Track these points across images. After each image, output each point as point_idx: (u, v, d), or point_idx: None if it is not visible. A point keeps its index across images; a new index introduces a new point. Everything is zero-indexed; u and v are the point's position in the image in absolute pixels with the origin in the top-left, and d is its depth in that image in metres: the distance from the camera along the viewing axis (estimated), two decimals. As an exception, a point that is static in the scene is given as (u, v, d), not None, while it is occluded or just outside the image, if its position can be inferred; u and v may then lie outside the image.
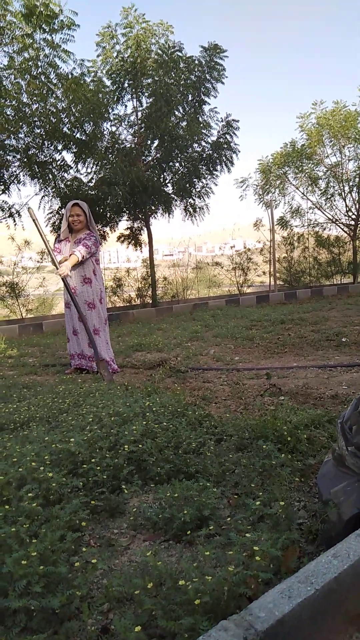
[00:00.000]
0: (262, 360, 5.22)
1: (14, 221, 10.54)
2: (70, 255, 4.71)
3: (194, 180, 12.04)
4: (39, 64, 9.01)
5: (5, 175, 10.03)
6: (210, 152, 11.86)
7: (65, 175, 10.86)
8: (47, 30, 8.84)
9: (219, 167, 12.12)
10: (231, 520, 1.86)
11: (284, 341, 6.12)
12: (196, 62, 11.35)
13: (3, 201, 10.38)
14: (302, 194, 15.34)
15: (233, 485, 2.19)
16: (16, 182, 10.23)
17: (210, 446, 2.52)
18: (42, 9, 8.52)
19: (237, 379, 4.33)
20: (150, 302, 12.88)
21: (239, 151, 12.20)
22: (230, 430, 2.73)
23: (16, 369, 5.41)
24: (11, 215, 10.46)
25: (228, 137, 11.92)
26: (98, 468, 2.20)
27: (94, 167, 11.14)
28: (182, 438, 2.55)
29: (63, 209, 11.12)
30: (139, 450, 2.38)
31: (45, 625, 1.39)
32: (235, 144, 12.05)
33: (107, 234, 12.56)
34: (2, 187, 10.09)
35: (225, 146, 11.89)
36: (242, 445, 2.56)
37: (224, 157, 11.99)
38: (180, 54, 11.22)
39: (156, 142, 11.72)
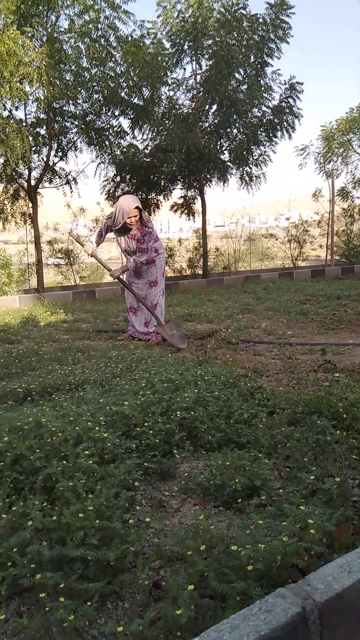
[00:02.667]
0: (316, 335, 5.08)
1: (71, 188, 10.69)
2: (129, 262, 4.88)
3: (252, 147, 11.62)
4: (99, 26, 8.86)
5: (63, 142, 10.12)
6: (271, 117, 11.36)
7: (122, 141, 10.81)
8: (108, -11, 8.64)
9: (279, 134, 11.61)
10: (283, 492, 1.84)
11: (339, 317, 5.90)
12: (260, 20, 10.75)
13: (61, 168, 10.53)
14: (367, 163, 14.45)
15: (284, 458, 2.17)
16: (73, 148, 10.30)
17: (262, 418, 2.50)
18: (103, -33, 8.32)
19: (290, 353, 4.24)
20: (201, 273, 12.80)
21: (302, 116, 11.61)
22: (282, 403, 2.69)
23: (70, 333, 5.58)
24: (68, 182, 10.60)
25: (291, 101, 11.35)
26: (151, 432, 2.24)
27: (150, 133, 10.98)
28: (234, 408, 2.55)
29: (118, 177, 11.20)
30: (190, 417, 2.40)
31: (100, 575, 1.46)
32: (298, 109, 11.47)
33: (161, 202, 12.48)
34: (60, 154, 10.21)
35: (287, 111, 11.33)
36: (295, 420, 2.52)
37: (285, 123, 11.45)
38: (244, 11, 10.66)
39: (214, 107, 11.35)
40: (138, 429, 2.28)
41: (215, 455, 2.14)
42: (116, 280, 4.98)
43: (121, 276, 4.94)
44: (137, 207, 4.72)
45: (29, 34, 8.21)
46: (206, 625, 1.15)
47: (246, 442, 2.27)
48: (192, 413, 2.43)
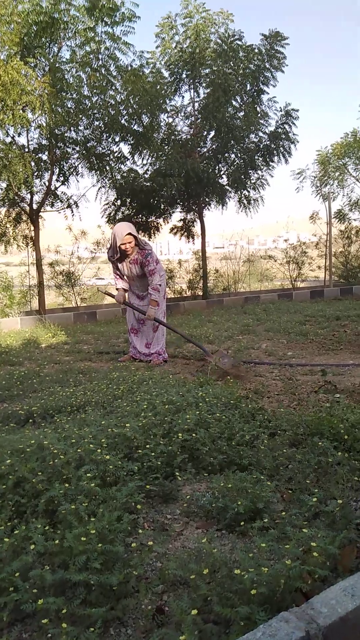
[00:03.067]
0: (316, 356, 5.09)
1: (72, 212, 10.86)
2: (151, 295, 4.94)
3: (250, 171, 11.84)
4: (100, 56, 9.15)
5: (64, 167, 10.33)
6: (268, 142, 11.61)
7: (122, 166, 11.03)
8: (108, 23, 8.95)
9: (275, 158, 11.85)
10: (286, 514, 1.84)
11: (339, 338, 5.93)
12: (256, 50, 11.12)
13: (62, 192, 10.72)
14: (363, 185, 14.70)
15: (287, 480, 2.17)
16: (75, 173, 10.50)
17: (264, 440, 2.50)
18: (104, 2, 8.64)
19: (290, 374, 4.25)
20: (201, 294, 12.88)
21: (298, 142, 11.86)
22: (284, 425, 2.70)
23: (72, 355, 5.60)
24: (69, 206, 10.77)
25: (287, 127, 11.62)
26: (152, 454, 2.25)
27: (150, 158, 11.22)
28: (235, 430, 2.55)
29: (118, 200, 11.39)
30: (192, 439, 2.40)
31: (103, 599, 1.45)
32: (293, 134, 11.74)
33: (161, 225, 12.64)
34: (62, 178, 10.40)
35: (284, 136, 11.60)
36: (297, 441, 2.52)
37: (281, 148, 11.70)
38: (240, 42, 11.03)
39: (212, 133, 11.62)
40: (140, 451, 2.28)
41: (218, 477, 2.13)
42: (123, 306, 5.07)
43: (155, 313, 4.95)
44: (129, 234, 4.76)
45: (32, 64, 8.47)
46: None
47: (248, 464, 2.27)
48: (194, 435, 2.43)
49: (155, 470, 2.18)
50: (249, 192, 12.28)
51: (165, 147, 11.27)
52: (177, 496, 2.10)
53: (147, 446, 2.31)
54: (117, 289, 5.14)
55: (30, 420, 3.00)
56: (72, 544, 1.56)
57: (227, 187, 11.93)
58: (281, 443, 2.49)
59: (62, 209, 10.79)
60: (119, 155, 10.77)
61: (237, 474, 2.12)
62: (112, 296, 5.24)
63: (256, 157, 11.65)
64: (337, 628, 0.97)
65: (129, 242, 4.77)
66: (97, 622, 1.34)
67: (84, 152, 10.02)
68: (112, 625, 1.40)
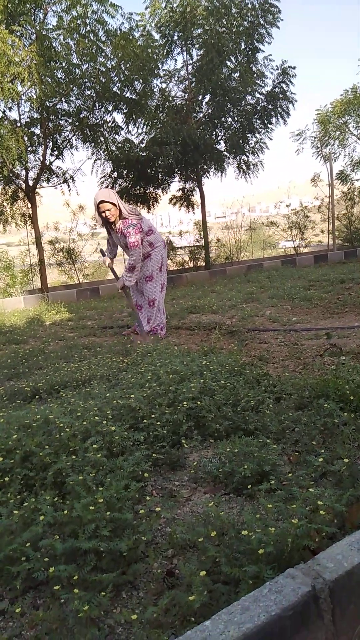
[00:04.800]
0: (321, 320, 5.06)
1: (69, 187, 10.68)
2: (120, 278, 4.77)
3: (248, 135, 11.54)
4: (87, 21, 8.80)
5: (58, 140, 10.10)
6: (265, 103, 11.26)
7: (117, 137, 10.77)
8: (94, -17, 8.57)
9: (274, 120, 11.53)
10: (292, 476, 1.84)
11: (344, 301, 5.87)
12: (249, 5, 10.64)
13: (57, 167, 10.52)
14: (365, 144, 14.31)
15: (293, 443, 2.17)
16: (69, 146, 10.27)
17: (269, 404, 2.50)
18: None
19: (295, 339, 4.23)
20: (204, 264, 12.77)
21: (296, 101, 11.50)
22: (289, 389, 2.69)
23: (76, 331, 5.60)
24: (65, 181, 10.58)
25: (284, 86, 11.25)
26: (158, 423, 2.25)
27: (145, 127, 10.93)
28: (241, 396, 2.54)
29: (115, 173, 11.17)
30: (197, 407, 2.40)
31: (113, 565, 1.47)
32: (291, 93, 11.38)
33: (159, 196, 12.43)
34: (56, 152, 10.19)
35: (281, 96, 11.23)
36: (302, 404, 2.51)
37: (279, 109, 11.36)
38: (232, -3, 10.53)
39: (207, 97, 11.27)
40: (145, 421, 2.29)
41: (224, 443, 2.14)
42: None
43: (123, 283, 4.81)
44: (104, 201, 4.55)
45: (18, 33, 8.17)
46: (220, 610, 1.16)
47: (254, 429, 2.27)
48: (199, 403, 2.43)
49: (162, 439, 2.19)
50: (247, 157, 12.00)
51: (160, 115, 10.96)
52: (184, 463, 2.12)
53: (153, 416, 2.31)
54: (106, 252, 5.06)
55: (37, 397, 3.02)
56: (80, 514, 1.57)
57: (225, 153, 11.66)
58: (287, 407, 2.48)
59: (59, 184, 10.62)
60: (113, 125, 10.51)
61: (243, 438, 2.12)
62: (104, 255, 5.09)
63: (254, 120, 11.33)
64: (343, 582, 0.97)
65: (108, 210, 4.57)
66: (108, 586, 1.36)
67: (76, 123, 9.78)
68: (124, 589, 1.42)
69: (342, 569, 0.98)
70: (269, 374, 3.02)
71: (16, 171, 9.59)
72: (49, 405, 2.62)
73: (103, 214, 4.61)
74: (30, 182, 9.86)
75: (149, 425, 2.25)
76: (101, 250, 5.31)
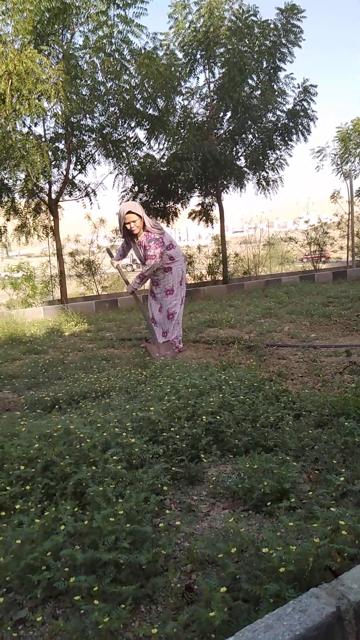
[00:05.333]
0: (340, 337, 5.01)
1: (90, 200, 10.87)
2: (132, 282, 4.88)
3: (268, 152, 11.62)
4: (113, 41, 9.04)
5: (81, 155, 10.32)
6: (286, 121, 11.35)
7: (138, 152, 10.96)
8: (120, 5, 8.83)
9: (294, 137, 11.59)
10: (312, 494, 1.83)
11: (363, 318, 5.82)
12: (271, 25, 10.79)
13: (80, 181, 10.74)
14: (386, 161, 14.26)
15: (313, 461, 2.15)
16: (92, 161, 10.49)
17: (289, 421, 2.48)
18: (116, -16, 8.51)
19: (314, 356, 4.19)
20: (221, 279, 12.79)
21: (317, 118, 11.55)
22: (308, 406, 2.67)
23: (95, 342, 5.65)
24: (87, 194, 10.78)
25: (305, 104, 11.33)
26: (177, 437, 2.26)
27: (166, 142, 11.10)
28: (260, 412, 2.54)
29: (136, 187, 11.34)
30: (216, 421, 2.41)
31: (133, 578, 1.47)
32: (312, 111, 11.43)
33: (179, 210, 12.55)
34: (79, 167, 10.40)
35: (302, 114, 11.30)
36: (322, 422, 2.49)
37: (300, 126, 11.43)
38: (254, 18, 10.72)
39: (229, 114, 11.40)
40: (165, 434, 2.29)
41: (243, 459, 2.13)
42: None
43: (132, 288, 4.91)
44: (132, 212, 4.64)
45: (46, 52, 8.43)
46: (240, 627, 1.15)
47: (273, 446, 2.26)
48: (218, 417, 2.43)
49: (181, 452, 2.19)
50: (267, 173, 12.07)
51: (181, 131, 11.12)
52: (202, 478, 2.11)
53: (172, 429, 2.32)
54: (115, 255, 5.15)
55: (56, 406, 3.06)
56: (101, 525, 1.58)
57: (245, 169, 11.75)
58: (306, 424, 2.47)
59: (81, 197, 10.82)
60: (135, 140, 10.70)
61: (263, 455, 2.11)
62: (111, 256, 5.19)
63: (274, 137, 11.41)
64: (368, 604, 0.96)
65: (133, 221, 4.64)
66: (127, 599, 1.36)
67: (100, 139, 9.99)
68: (143, 602, 1.42)
69: (366, 590, 0.97)
70: (288, 391, 3.01)
71: (40, 185, 9.82)
72: (69, 416, 2.65)
73: (128, 225, 4.69)
74: (53, 196, 10.07)
75: (168, 439, 2.26)
76: (107, 250, 5.49)
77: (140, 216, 4.66)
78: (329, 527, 1.52)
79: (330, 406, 2.59)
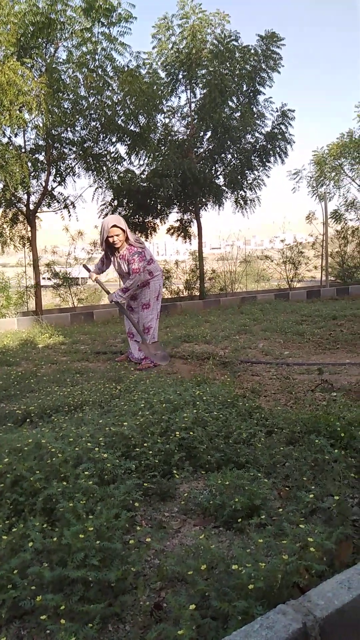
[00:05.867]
0: (313, 355, 5.11)
1: (69, 212, 10.85)
2: (113, 293, 4.89)
3: (246, 172, 11.87)
4: (97, 57, 9.15)
5: (61, 168, 10.32)
6: (264, 143, 11.64)
7: (119, 167, 11.03)
8: (105, 23, 8.96)
9: (272, 159, 11.88)
10: (283, 511, 1.85)
11: (336, 337, 5.95)
12: (252, 51, 11.14)
13: (59, 193, 10.71)
14: (359, 186, 14.78)
15: (284, 478, 2.18)
16: (71, 174, 10.49)
17: (261, 437, 2.51)
18: (101, 3, 8.65)
19: (287, 373, 4.26)
20: (198, 294, 12.89)
21: (294, 142, 11.90)
22: (281, 423, 2.71)
23: (69, 355, 5.59)
24: (66, 206, 10.76)
25: (283, 127, 11.65)
26: (150, 452, 2.25)
27: (147, 158, 11.22)
28: (233, 428, 2.56)
29: (115, 201, 11.39)
30: (189, 437, 2.41)
31: (101, 596, 1.45)
32: (290, 135, 11.77)
33: (157, 225, 12.65)
34: (59, 179, 10.39)
35: (280, 137, 11.62)
36: (293, 439, 2.53)
37: (277, 148, 11.73)
38: (236, 43, 11.05)
39: (209, 134, 11.63)
40: (137, 449, 2.29)
41: (215, 475, 2.14)
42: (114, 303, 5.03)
43: (115, 298, 4.96)
44: (116, 226, 4.68)
45: (29, 65, 8.46)
46: (208, 645, 1.15)
47: (245, 462, 2.28)
48: (191, 433, 2.44)
49: (153, 468, 2.19)
50: (245, 192, 12.31)
51: (162, 148, 11.28)
52: (174, 494, 2.11)
53: (145, 444, 2.32)
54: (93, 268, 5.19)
55: (28, 420, 3.01)
56: (70, 541, 1.56)
57: (224, 188, 11.96)
58: (278, 441, 2.50)
59: (59, 209, 10.78)
60: (116, 155, 10.78)
61: (235, 471, 2.13)
62: (89, 270, 5.23)
63: (252, 158, 11.68)
64: (333, 620, 0.98)
65: (117, 235, 4.68)
66: (95, 618, 1.34)
67: (80, 152, 10.03)
68: (111, 621, 1.41)
69: (332, 606, 0.99)
70: (261, 407, 3.04)
71: (18, 195, 9.75)
72: (40, 430, 2.62)
73: (111, 239, 4.71)
74: (32, 207, 10.01)
75: (141, 454, 2.25)
76: (84, 266, 5.56)
77: (123, 230, 4.71)
78: (298, 544, 1.54)
79: (302, 423, 2.63)
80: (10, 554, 1.58)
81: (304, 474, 2.12)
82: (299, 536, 1.58)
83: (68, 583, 1.48)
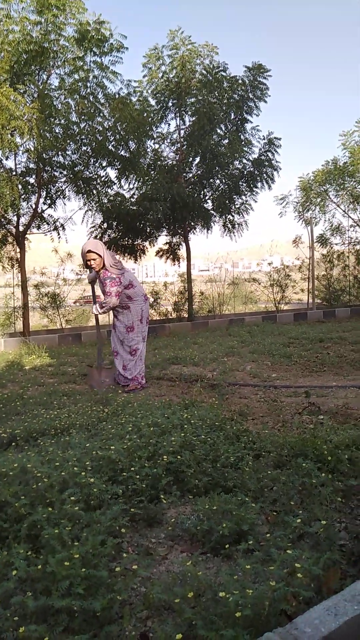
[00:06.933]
0: (300, 378, 5.15)
1: (58, 234, 10.90)
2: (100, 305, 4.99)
3: (234, 196, 12.11)
4: (88, 84, 9.38)
5: (52, 190, 10.42)
6: (251, 169, 11.92)
7: (109, 190, 11.17)
8: (97, 52, 9.23)
9: (259, 184, 12.15)
10: (270, 536, 1.84)
11: (322, 360, 6.01)
12: (240, 81, 11.52)
13: (49, 215, 10.78)
14: (344, 211, 15.13)
15: (271, 502, 2.17)
16: (62, 197, 10.59)
17: (249, 461, 2.51)
18: (94, 33, 8.93)
19: (275, 396, 4.28)
20: (187, 316, 12.94)
21: (280, 169, 12.20)
22: (268, 446, 2.71)
23: (56, 377, 5.55)
24: (56, 228, 10.82)
25: (269, 154, 11.96)
26: (137, 477, 2.24)
27: (136, 183, 11.41)
28: (220, 452, 2.55)
29: (105, 224, 11.51)
30: (177, 461, 2.40)
31: (86, 626, 1.42)
32: (276, 162, 12.08)
33: (147, 248, 12.76)
34: (49, 201, 10.48)
35: (267, 163, 11.92)
36: (281, 462, 2.53)
37: (264, 175, 12.01)
38: (224, 73, 11.42)
39: (197, 159, 11.90)
40: (124, 473, 2.27)
41: (203, 499, 2.13)
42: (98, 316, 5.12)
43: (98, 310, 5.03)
44: (91, 251, 4.81)
45: (21, 91, 8.63)
46: None
47: (233, 486, 2.27)
48: (179, 457, 2.43)
49: (140, 493, 2.17)
50: (233, 216, 12.53)
51: (152, 172, 11.48)
52: (161, 519, 2.09)
53: (132, 469, 2.30)
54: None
55: (13, 444, 2.96)
56: (55, 569, 1.54)
57: (212, 212, 12.16)
58: (266, 464, 2.50)
59: (49, 231, 10.83)
60: (106, 179, 10.93)
61: (222, 496, 2.12)
62: (89, 272, 5.23)
63: (240, 183, 11.93)
64: (320, 648, 0.98)
65: (93, 259, 4.84)
66: (80, 649, 1.31)
67: (71, 176, 10.15)
68: (95, 652, 1.37)
69: (319, 634, 0.99)
70: (249, 430, 3.05)
71: (8, 217, 9.79)
72: (26, 454, 2.58)
73: (88, 262, 4.85)
74: (21, 228, 10.05)
75: (128, 479, 2.24)
76: (88, 270, 5.37)
77: (100, 255, 4.81)
78: (286, 570, 1.54)
79: (289, 447, 2.64)
80: (-7, 583, 1.54)
81: (292, 498, 2.12)
82: (286, 562, 1.58)
83: (52, 613, 1.45)
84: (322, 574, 1.54)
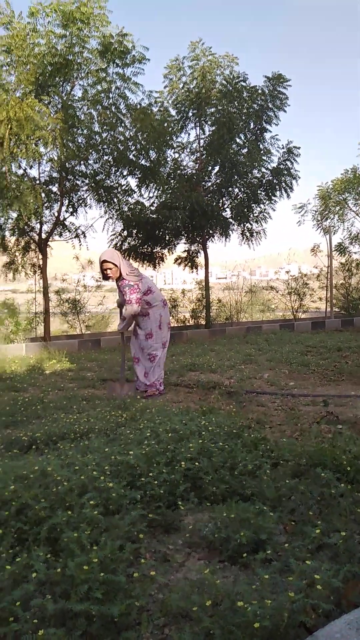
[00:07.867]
0: (318, 387, 5.09)
1: (79, 241, 11.08)
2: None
3: (253, 205, 12.11)
4: (110, 95, 9.58)
5: (74, 199, 10.61)
6: (270, 178, 11.92)
7: (129, 199, 11.32)
8: (119, 64, 9.42)
9: (277, 193, 12.13)
10: (289, 546, 1.83)
11: (341, 369, 5.93)
12: (259, 91, 11.56)
13: (70, 223, 10.98)
14: (364, 220, 14.99)
15: (289, 512, 2.15)
16: (83, 205, 10.78)
17: (267, 470, 2.49)
18: (116, 46, 9.10)
19: (292, 404, 4.25)
20: (204, 323, 12.94)
21: (299, 177, 12.17)
22: (286, 455, 2.69)
23: (76, 381, 5.61)
24: (77, 236, 11.00)
25: (288, 163, 11.94)
26: (155, 482, 2.24)
27: (156, 191, 11.52)
28: (238, 459, 2.54)
29: (125, 231, 11.64)
30: (195, 468, 2.40)
31: (104, 632, 1.43)
32: (295, 171, 12.05)
33: (165, 255, 12.85)
34: (71, 209, 10.67)
35: (285, 172, 11.90)
36: (299, 472, 2.51)
37: (283, 183, 11.99)
38: (244, 84, 11.48)
39: (217, 169, 11.95)
40: (143, 479, 2.28)
41: (220, 507, 2.12)
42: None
43: (122, 327, 5.08)
44: (106, 261, 4.84)
45: (46, 102, 8.85)
46: None
47: (251, 495, 2.26)
48: (197, 464, 2.43)
49: (158, 499, 2.17)
50: (251, 225, 12.53)
51: (171, 181, 11.59)
52: (179, 526, 2.09)
53: (150, 474, 2.31)
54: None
55: (34, 447, 3.00)
56: (74, 573, 1.55)
57: (231, 220, 12.19)
58: (284, 473, 2.48)
59: (70, 238, 11.02)
60: (127, 188, 11.08)
61: (240, 504, 2.11)
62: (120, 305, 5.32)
63: (259, 192, 11.93)
64: (340, 660, 0.97)
65: (109, 269, 4.86)
66: (98, 653, 1.32)
67: (92, 184, 10.32)
68: (113, 657, 1.38)
69: (339, 645, 0.98)
70: (267, 438, 3.03)
71: (31, 224, 10.00)
72: (46, 457, 2.62)
73: (105, 272, 4.89)
74: (44, 235, 10.24)
75: (146, 484, 2.25)
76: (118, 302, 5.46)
77: (116, 265, 4.85)
78: (305, 581, 1.52)
79: (308, 456, 2.61)
80: (13, 585, 1.56)
81: (310, 508, 2.10)
82: (305, 573, 1.56)
83: (71, 617, 1.46)
84: (342, 587, 1.52)
